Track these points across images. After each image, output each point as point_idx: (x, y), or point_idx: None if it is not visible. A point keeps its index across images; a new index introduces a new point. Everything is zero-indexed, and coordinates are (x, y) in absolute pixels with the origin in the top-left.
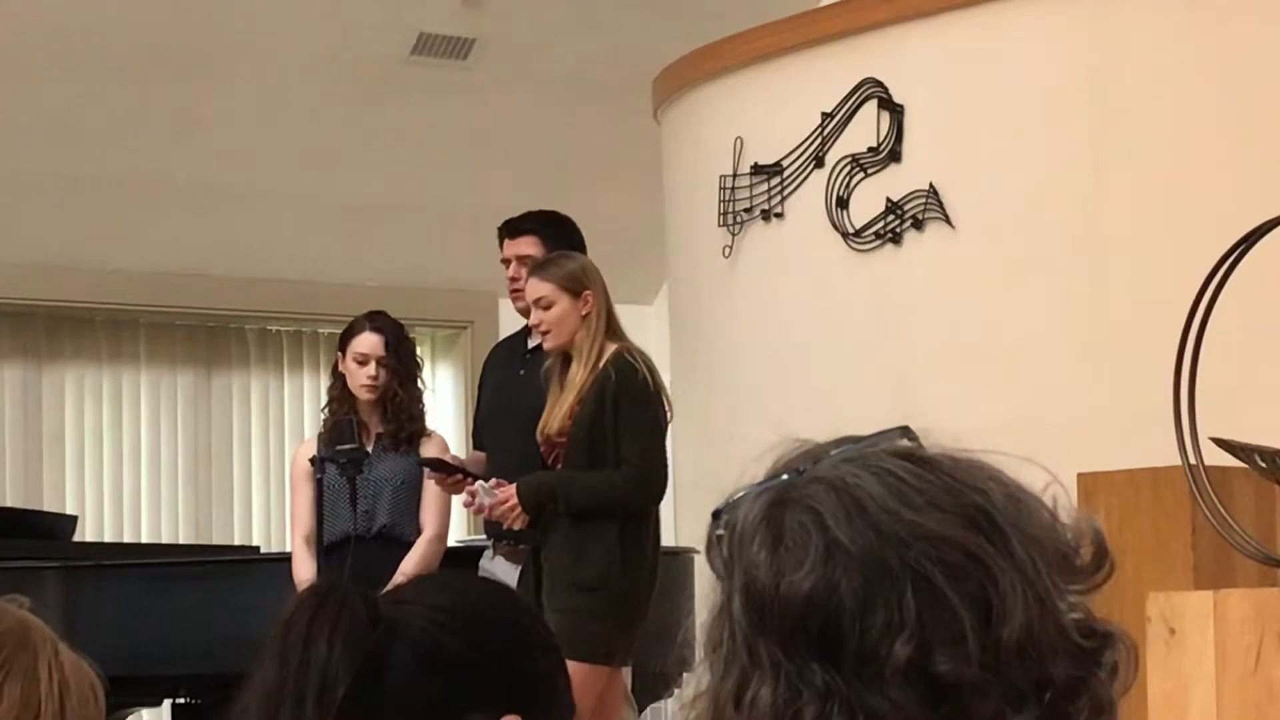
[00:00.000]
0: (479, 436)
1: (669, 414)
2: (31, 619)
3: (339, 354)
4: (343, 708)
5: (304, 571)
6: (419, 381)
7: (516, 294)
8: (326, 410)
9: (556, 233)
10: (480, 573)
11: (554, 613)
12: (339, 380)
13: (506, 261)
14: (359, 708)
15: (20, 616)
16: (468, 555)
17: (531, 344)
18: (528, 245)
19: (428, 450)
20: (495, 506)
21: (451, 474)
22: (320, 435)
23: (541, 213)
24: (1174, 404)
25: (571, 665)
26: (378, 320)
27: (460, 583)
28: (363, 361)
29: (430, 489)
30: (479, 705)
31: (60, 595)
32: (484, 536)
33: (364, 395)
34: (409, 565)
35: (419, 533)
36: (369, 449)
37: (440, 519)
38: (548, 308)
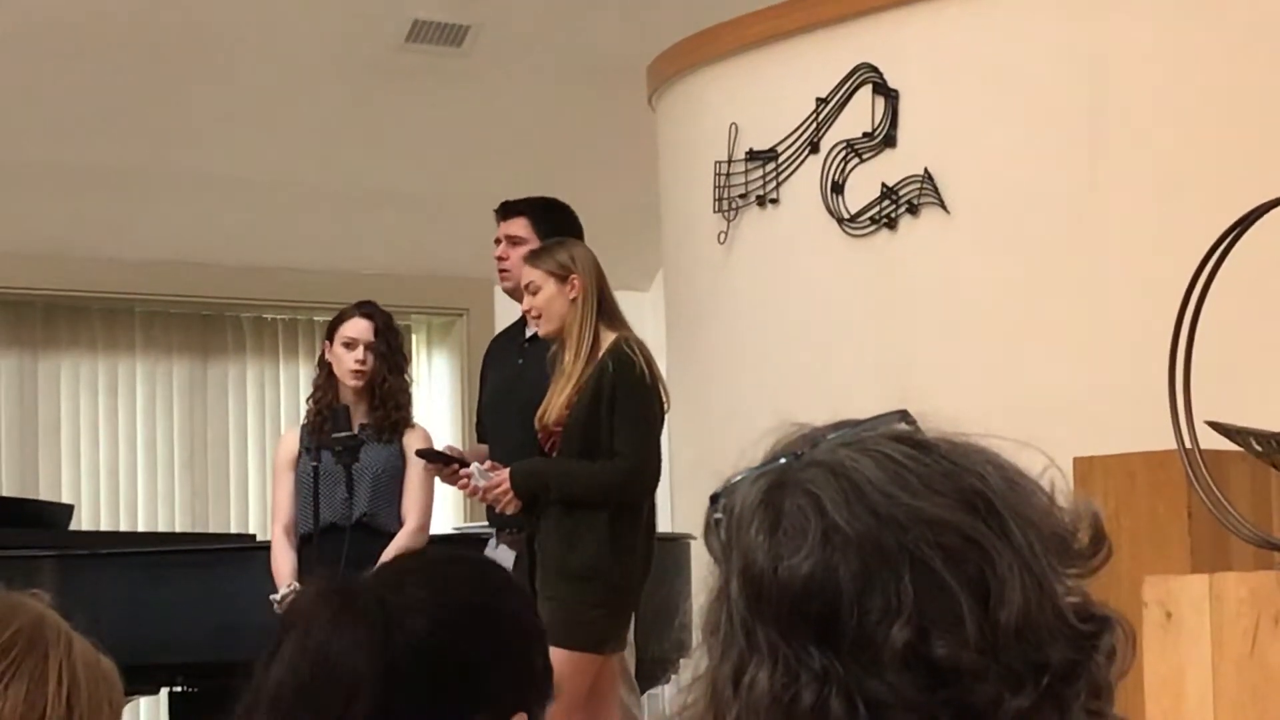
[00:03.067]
0: (481, 428)
1: (666, 405)
2: (49, 616)
3: (326, 342)
4: (357, 712)
5: (283, 561)
6: (406, 372)
7: (504, 274)
8: (311, 400)
9: (550, 217)
10: None
11: (546, 600)
12: (325, 368)
13: (499, 241)
14: (369, 712)
15: (37, 614)
16: (463, 543)
17: (529, 333)
18: (518, 227)
19: (411, 441)
20: (489, 490)
21: (449, 464)
22: (304, 425)
23: (539, 198)
24: (1169, 388)
25: (563, 653)
26: (367, 307)
27: (468, 580)
28: (351, 345)
29: (413, 480)
30: (488, 707)
31: (56, 584)
32: (482, 524)
33: (351, 381)
34: (391, 555)
35: (399, 523)
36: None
37: (422, 510)
38: (535, 293)
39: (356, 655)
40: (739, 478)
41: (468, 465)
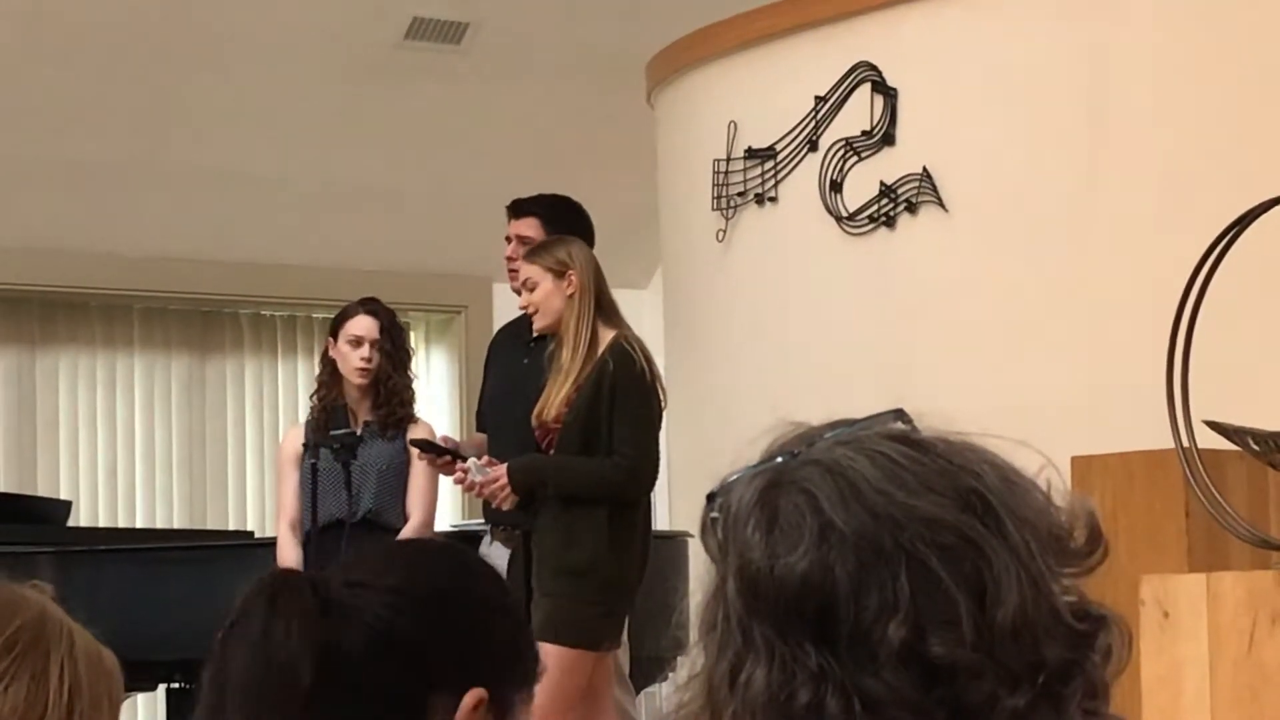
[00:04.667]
0: (482, 419)
1: (663, 402)
2: (51, 611)
3: (330, 339)
4: (312, 697)
5: (288, 557)
6: (409, 369)
7: (513, 273)
8: (315, 397)
9: (560, 216)
10: None
11: (543, 597)
12: (328, 366)
13: (510, 239)
14: (320, 697)
15: (40, 610)
16: (458, 540)
17: (536, 330)
18: (528, 226)
19: (415, 436)
20: (486, 485)
21: (442, 455)
22: (308, 422)
23: (550, 196)
24: (1167, 387)
25: (559, 650)
26: (371, 304)
27: (415, 557)
28: (356, 343)
29: (417, 475)
30: (442, 685)
31: (54, 581)
32: (479, 521)
33: (357, 379)
34: None
35: (404, 519)
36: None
37: (426, 505)
38: (533, 289)
39: (290, 640)
40: (735, 476)
41: (462, 457)
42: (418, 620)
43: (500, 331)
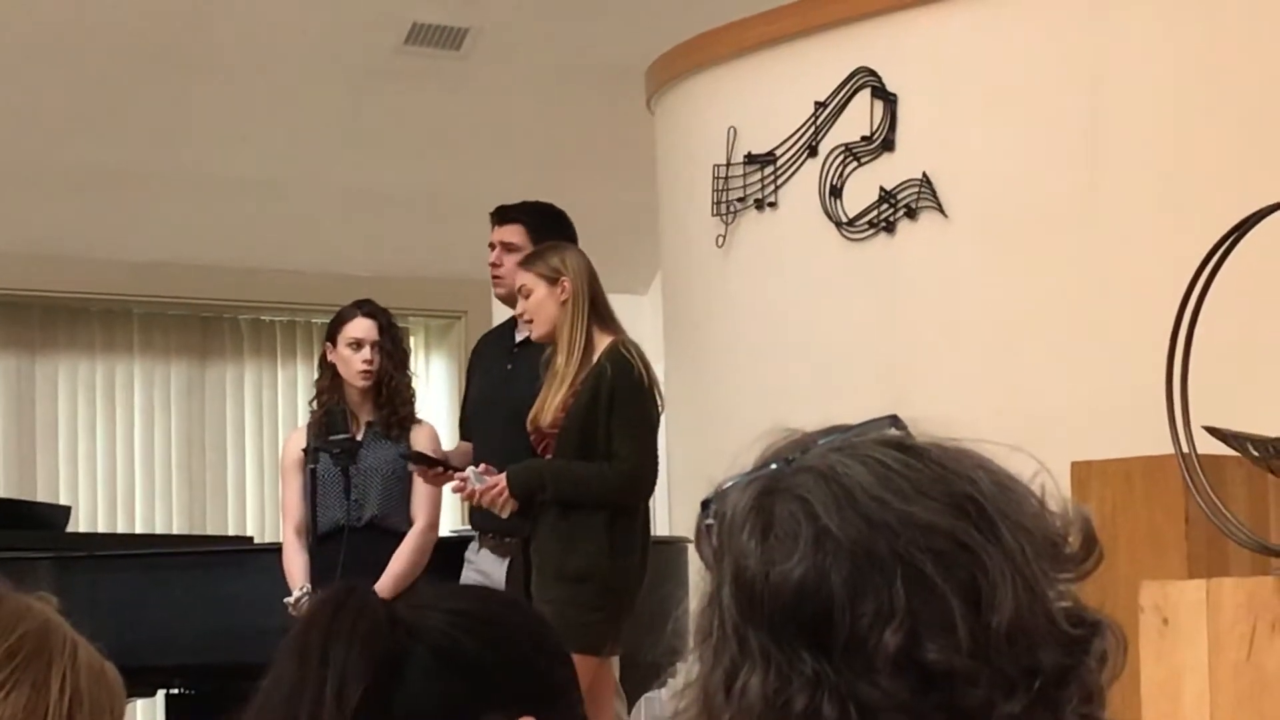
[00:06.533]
0: (465, 427)
1: (660, 407)
2: (55, 622)
3: (328, 344)
4: (360, 709)
5: (295, 563)
6: (409, 368)
7: (496, 280)
8: (315, 403)
9: (544, 224)
10: (465, 564)
11: (542, 603)
12: (328, 371)
13: (494, 246)
14: (377, 709)
15: (43, 620)
16: (458, 545)
17: (519, 336)
18: (512, 233)
19: (418, 437)
20: (485, 492)
21: (433, 466)
22: (310, 426)
23: (533, 203)
24: (1167, 393)
25: None
26: (368, 306)
27: (477, 591)
28: (357, 346)
29: (421, 480)
30: (497, 706)
31: (53, 586)
32: (470, 528)
33: (359, 381)
34: (403, 556)
35: (409, 523)
36: (359, 439)
37: (431, 509)
38: (528, 296)
39: (351, 652)
40: (730, 483)
41: (452, 467)
42: (482, 641)
43: (483, 339)
